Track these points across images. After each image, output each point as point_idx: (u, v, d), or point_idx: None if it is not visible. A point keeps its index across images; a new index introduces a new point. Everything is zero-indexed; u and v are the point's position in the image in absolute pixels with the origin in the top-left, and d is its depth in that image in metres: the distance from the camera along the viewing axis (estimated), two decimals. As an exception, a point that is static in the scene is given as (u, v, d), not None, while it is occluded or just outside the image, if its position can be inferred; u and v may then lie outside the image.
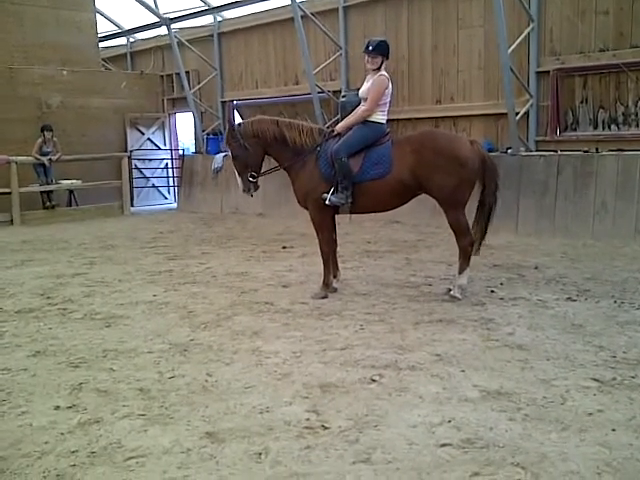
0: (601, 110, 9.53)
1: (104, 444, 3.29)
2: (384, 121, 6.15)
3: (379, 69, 6.07)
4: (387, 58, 6.15)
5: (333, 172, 5.99)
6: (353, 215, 6.45)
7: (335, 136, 6.17)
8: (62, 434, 3.43)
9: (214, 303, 6.09)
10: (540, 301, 5.78)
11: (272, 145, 6.25)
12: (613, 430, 3.24)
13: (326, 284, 6.28)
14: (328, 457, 3.07)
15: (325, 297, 6.13)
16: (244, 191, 6.42)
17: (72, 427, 3.51)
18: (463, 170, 5.80)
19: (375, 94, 5.97)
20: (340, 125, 6.27)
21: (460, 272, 6.00)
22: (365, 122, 6.07)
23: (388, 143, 6.05)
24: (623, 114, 9.31)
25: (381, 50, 6.06)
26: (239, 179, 6.36)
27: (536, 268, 7.15)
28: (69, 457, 3.17)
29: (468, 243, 5.97)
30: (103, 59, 16.83)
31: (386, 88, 6.03)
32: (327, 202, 5.99)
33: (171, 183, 16.53)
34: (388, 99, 6.13)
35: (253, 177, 6.31)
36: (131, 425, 3.51)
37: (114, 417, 3.62)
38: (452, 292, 5.98)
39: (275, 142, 6.23)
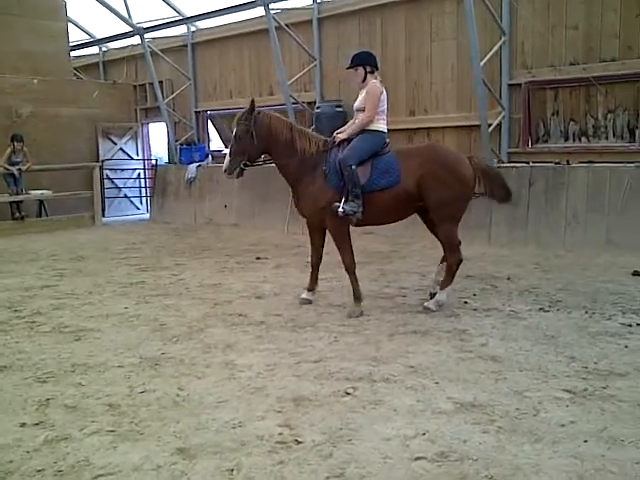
0: (572, 122, 9.68)
1: (71, 462, 3.21)
2: (385, 130, 6.11)
3: (365, 80, 6.04)
4: (376, 68, 6.12)
5: (342, 182, 5.84)
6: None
7: (338, 145, 6.04)
8: (28, 452, 3.33)
9: (186, 315, 6.02)
10: (513, 312, 5.81)
11: (278, 147, 6.07)
12: (585, 441, 3.25)
13: (358, 298, 6.01)
14: (301, 472, 3.03)
15: (361, 314, 5.86)
16: (226, 172, 6.07)
17: (38, 445, 3.41)
18: (465, 187, 5.97)
19: (372, 101, 5.92)
20: (342, 133, 6.14)
21: (442, 288, 6.00)
22: (367, 130, 5.99)
23: (391, 153, 6.02)
24: (593, 127, 9.46)
25: (359, 60, 6.04)
26: (228, 159, 6.05)
27: (509, 279, 7.20)
28: (34, 476, 3.08)
29: (456, 261, 6.00)
30: (75, 68, 16.64)
31: (381, 93, 5.99)
32: (340, 212, 5.76)
33: (144, 193, 16.36)
34: (385, 106, 6.08)
35: (245, 166, 6.08)
36: (100, 442, 3.43)
37: (82, 434, 3.53)
38: (426, 304, 5.99)
39: (283, 146, 6.04)
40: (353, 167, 5.77)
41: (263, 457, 3.18)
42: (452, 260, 6.00)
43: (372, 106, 5.93)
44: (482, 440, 3.29)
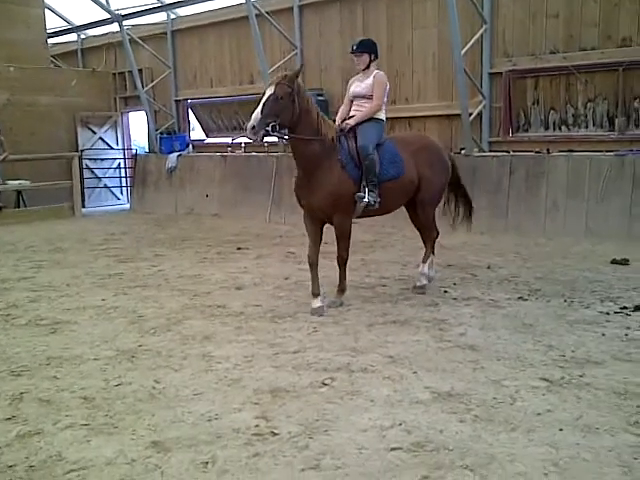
0: (552, 111, 9.70)
1: (44, 457, 3.16)
2: (385, 119, 6.14)
3: (368, 67, 6.02)
4: (376, 56, 6.07)
5: (360, 171, 5.67)
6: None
7: (348, 132, 5.81)
8: (-1, 448, 3.28)
9: (165, 307, 5.96)
10: (492, 301, 5.82)
11: (307, 123, 5.53)
12: (560, 430, 3.26)
13: (343, 290, 5.96)
14: (277, 464, 3.01)
15: (341, 304, 5.83)
16: (253, 130, 5.24)
17: (10, 440, 3.35)
18: (447, 174, 6.43)
19: (381, 91, 5.94)
20: (351, 120, 5.91)
21: (424, 260, 6.40)
22: (374, 119, 5.94)
23: (389, 142, 6.02)
24: (573, 115, 9.50)
25: (365, 47, 6.01)
26: (258, 117, 5.26)
27: (489, 268, 7.22)
28: (5, 472, 3.03)
29: (436, 235, 6.54)
30: (53, 56, 16.40)
31: (386, 84, 6.04)
32: (365, 202, 5.62)
33: (124, 183, 16.20)
34: (386, 97, 6.14)
35: (273, 130, 5.33)
36: (73, 436, 3.38)
37: (56, 428, 3.48)
38: (417, 283, 6.26)
39: (310, 124, 5.54)
40: (373, 156, 5.69)
41: (238, 449, 3.16)
42: (433, 235, 6.50)
43: (381, 94, 5.95)
44: (458, 429, 3.29)
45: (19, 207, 13.50)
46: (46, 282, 7.20)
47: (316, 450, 3.13)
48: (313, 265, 5.71)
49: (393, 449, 3.11)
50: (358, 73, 6.15)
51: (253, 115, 5.25)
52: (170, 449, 3.19)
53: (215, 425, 3.44)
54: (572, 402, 3.60)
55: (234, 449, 3.16)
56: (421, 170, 6.10)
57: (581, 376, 3.98)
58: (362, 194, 5.65)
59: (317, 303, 5.60)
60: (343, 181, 5.61)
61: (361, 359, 4.39)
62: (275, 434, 3.30)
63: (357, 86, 6.08)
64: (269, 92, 5.33)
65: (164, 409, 3.67)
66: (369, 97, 5.97)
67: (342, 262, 5.91)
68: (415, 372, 4.12)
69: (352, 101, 6.14)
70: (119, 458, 3.12)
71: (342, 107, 6.27)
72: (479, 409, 3.53)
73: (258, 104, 5.30)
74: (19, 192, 13.49)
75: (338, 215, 5.70)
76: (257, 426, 3.40)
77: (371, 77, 6.00)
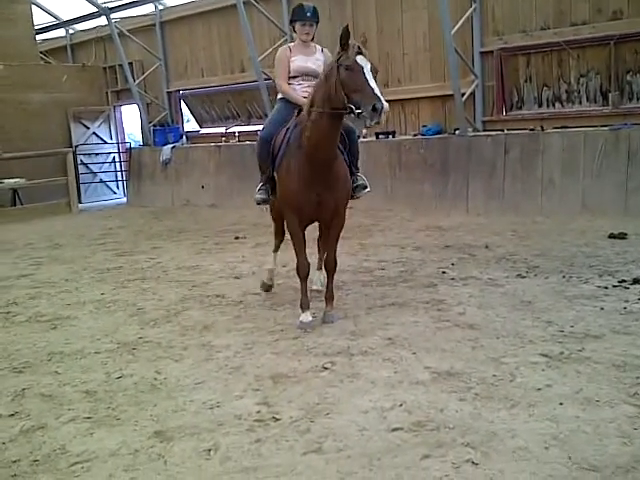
0: (545, 88, 9.66)
1: (47, 451, 3.18)
2: None
3: (313, 39, 5.34)
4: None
5: (351, 157, 5.08)
6: None
7: None
8: (3, 443, 3.29)
9: (164, 299, 5.97)
10: (490, 280, 5.83)
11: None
12: (561, 404, 3.28)
13: (332, 297, 5.13)
14: (279, 449, 3.03)
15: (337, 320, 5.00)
16: (386, 109, 4.20)
17: (14, 435, 3.37)
18: None
19: None
20: None
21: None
22: None
23: None
24: (566, 91, 9.46)
25: (317, 16, 5.30)
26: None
27: (486, 247, 7.22)
28: (10, 467, 3.05)
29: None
30: (42, 52, 16.29)
31: None
32: (368, 190, 5.25)
33: (119, 177, 16.16)
34: None
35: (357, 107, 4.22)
36: (76, 429, 3.40)
37: (59, 422, 3.50)
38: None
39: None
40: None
41: (241, 436, 3.17)
42: None
43: None
44: (458, 408, 3.31)
45: (15, 205, 13.49)
46: (45, 278, 7.20)
47: (318, 433, 3.14)
48: (305, 277, 5.04)
49: (394, 429, 3.13)
50: (292, 43, 5.38)
51: (382, 96, 4.22)
52: (173, 438, 3.21)
53: (217, 413, 3.46)
54: (572, 376, 3.61)
55: (236, 436, 3.18)
56: None
57: (580, 350, 3.99)
58: (365, 183, 5.25)
59: (308, 317, 4.88)
60: (347, 169, 5.02)
61: (361, 342, 4.40)
62: (277, 419, 3.32)
63: (305, 61, 5.21)
64: (368, 65, 4.33)
65: (166, 399, 3.69)
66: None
67: (335, 266, 5.13)
68: (414, 353, 4.13)
69: (293, 77, 5.24)
70: (122, 449, 3.14)
71: (289, 86, 5.24)
72: (479, 387, 3.55)
73: (368, 80, 4.25)
74: (15, 190, 13.47)
75: (343, 212, 5.07)
76: (259, 412, 3.42)
77: (319, 53, 5.30)
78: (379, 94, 4.19)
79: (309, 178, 4.71)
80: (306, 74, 5.22)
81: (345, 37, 4.36)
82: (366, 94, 4.21)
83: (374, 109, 4.14)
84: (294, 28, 5.38)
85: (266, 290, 5.90)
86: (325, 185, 4.74)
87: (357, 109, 4.24)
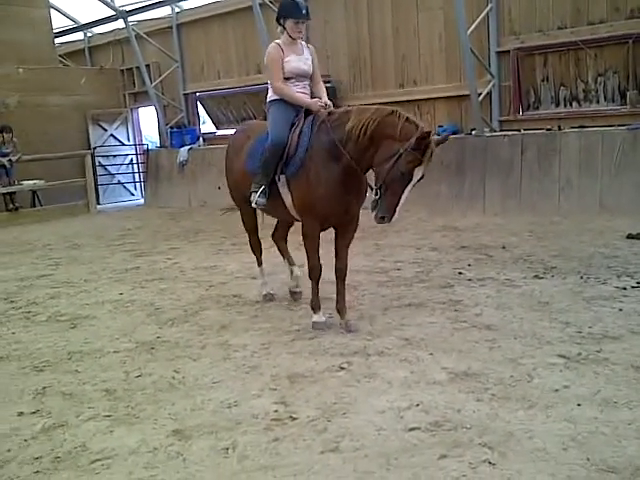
0: (562, 88, 9.60)
1: (69, 448, 3.22)
2: None
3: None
4: None
5: None
6: None
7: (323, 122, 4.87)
8: (25, 440, 3.35)
9: (181, 299, 6.02)
10: (508, 280, 5.81)
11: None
12: (578, 405, 3.26)
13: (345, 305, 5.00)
14: (296, 448, 3.05)
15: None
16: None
17: (36, 433, 3.43)
18: None
19: (319, 71, 5.26)
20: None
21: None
22: None
23: None
24: (584, 91, 9.39)
25: (309, 15, 5.07)
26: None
27: (504, 248, 7.19)
28: (32, 464, 3.10)
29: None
30: (60, 55, 16.46)
31: None
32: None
33: (137, 179, 16.28)
34: None
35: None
36: (96, 427, 3.44)
37: (79, 420, 3.55)
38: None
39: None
40: None
41: (258, 435, 3.20)
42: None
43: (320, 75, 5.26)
44: (476, 408, 3.31)
45: (35, 207, 13.65)
46: (64, 279, 7.29)
47: (335, 433, 3.16)
48: (318, 279, 4.99)
49: (411, 429, 3.13)
50: (279, 40, 5.09)
51: (397, 210, 4.43)
52: (191, 436, 3.24)
53: (235, 412, 3.49)
54: (590, 377, 3.60)
55: (254, 434, 3.21)
56: None
57: (598, 351, 3.97)
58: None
59: (322, 317, 4.91)
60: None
61: (377, 342, 4.41)
62: (294, 419, 3.34)
63: (297, 61, 5.03)
64: (419, 176, 4.33)
65: (184, 398, 3.72)
66: (310, 77, 5.14)
67: (346, 273, 5.04)
68: (431, 353, 4.13)
69: (287, 78, 5.03)
70: (142, 447, 3.18)
71: (289, 87, 5.02)
72: (496, 388, 3.55)
73: (402, 193, 4.35)
74: (34, 192, 13.64)
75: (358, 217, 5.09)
76: (276, 411, 3.44)
77: (307, 52, 5.13)
78: (396, 208, 4.37)
79: (344, 188, 4.66)
80: (299, 75, 5.06)
81: (425, 144, 4.16)
82: (387, 199, 4.36)
83: (376, 210, 4.42)
84: (283, 23, 5.03)
85: (270, 299, 5.79)
86: (355, 193, 4.78)
87: (372, 190, 4.43)
